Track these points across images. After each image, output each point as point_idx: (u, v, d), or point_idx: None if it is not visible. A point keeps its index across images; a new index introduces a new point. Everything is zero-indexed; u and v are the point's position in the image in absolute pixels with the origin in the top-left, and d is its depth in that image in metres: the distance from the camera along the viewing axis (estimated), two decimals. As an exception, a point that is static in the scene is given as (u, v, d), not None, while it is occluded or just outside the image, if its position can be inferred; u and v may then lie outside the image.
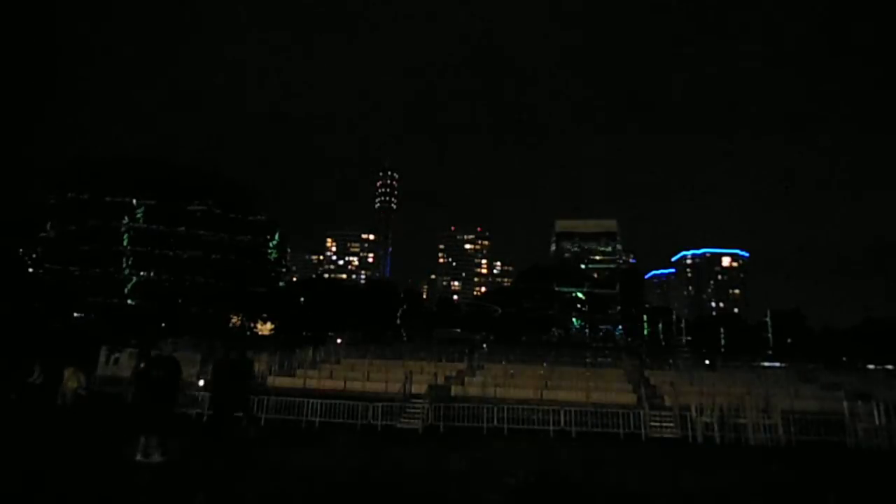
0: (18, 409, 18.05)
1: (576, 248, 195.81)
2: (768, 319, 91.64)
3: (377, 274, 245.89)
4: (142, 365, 9.78)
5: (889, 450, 15.61)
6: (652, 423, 17.81)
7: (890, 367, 66.91)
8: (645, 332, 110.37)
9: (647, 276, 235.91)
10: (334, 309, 76.37)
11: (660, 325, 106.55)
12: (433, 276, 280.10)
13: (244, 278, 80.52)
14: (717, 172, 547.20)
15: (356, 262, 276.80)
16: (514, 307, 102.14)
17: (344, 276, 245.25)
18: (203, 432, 12.38)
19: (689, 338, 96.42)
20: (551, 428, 17.78)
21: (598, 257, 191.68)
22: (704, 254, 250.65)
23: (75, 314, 66.59)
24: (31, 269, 72.03)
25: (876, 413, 16.77)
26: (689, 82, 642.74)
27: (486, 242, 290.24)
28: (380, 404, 18.39)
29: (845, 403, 17.54)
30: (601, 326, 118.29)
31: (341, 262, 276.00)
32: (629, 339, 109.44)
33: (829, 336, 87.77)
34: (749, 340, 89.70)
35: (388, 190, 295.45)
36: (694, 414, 17.54)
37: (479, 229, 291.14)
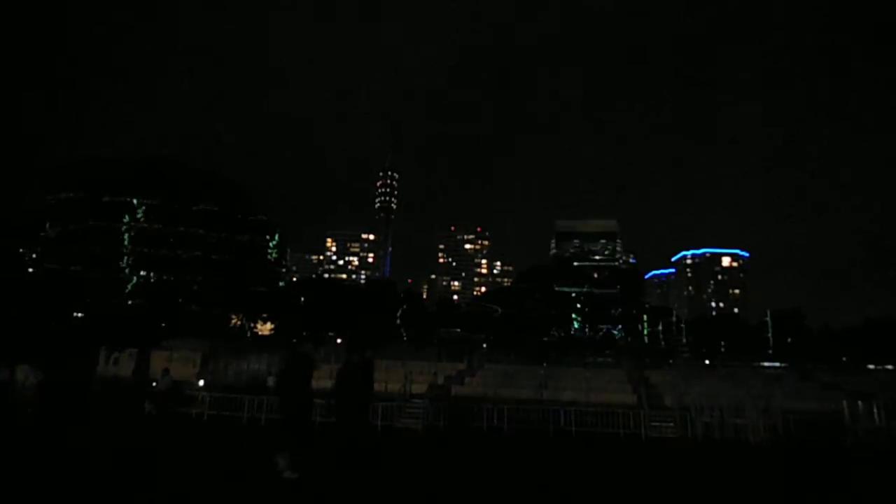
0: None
1: (576, 248, 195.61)
2: (768, 319, 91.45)
3: (377, 274, 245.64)
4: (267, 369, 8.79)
5: (889, 450, 15.59)
6: (652, 423, 17.81)
7: (890, 367, 66.94)
8: (645, 332, 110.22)
9: (647, 276, 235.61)
10: (334, 309, 76.30)
11: (660, 326, 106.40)
12: (433, 276, 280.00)
13: (244, 278, 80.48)
14: (718, 171, 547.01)
15: (356, 262, 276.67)
16: (514, 307, 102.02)
17: (344, 276, 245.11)
18: (330, 443, 10.69)
19: (688, 338, 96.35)
20: (551, 428, 17.77)
21: (598, 257, 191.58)
22: (704, 254, 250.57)
23: (75, 314, 66.60)
24: (31, 269, 72.03)
25: (876, 413, 16.77)
26: (689, 82, 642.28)
27: (486, 242, 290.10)
28: (380, 404, 18.38)
29: (845, 403, 17.53)
30: (601, 326, 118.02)
31: (341, 262, 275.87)
32: (629, 340, 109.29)
33: (829, 336, 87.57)
34: (749, 340, 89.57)
35: (388, 190, 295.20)
36: (694, 414, 17.54)
37: (479, 229, 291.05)
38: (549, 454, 13.72)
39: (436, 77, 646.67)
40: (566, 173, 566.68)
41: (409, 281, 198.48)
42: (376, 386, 23.93)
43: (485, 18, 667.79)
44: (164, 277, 76.63)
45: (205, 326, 61.14)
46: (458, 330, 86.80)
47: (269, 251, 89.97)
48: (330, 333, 72.59)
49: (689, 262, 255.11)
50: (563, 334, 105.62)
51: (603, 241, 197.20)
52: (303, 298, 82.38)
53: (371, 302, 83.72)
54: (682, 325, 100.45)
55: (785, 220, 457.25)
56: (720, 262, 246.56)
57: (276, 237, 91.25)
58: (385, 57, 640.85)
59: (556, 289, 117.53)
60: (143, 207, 78.29)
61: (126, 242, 77.10)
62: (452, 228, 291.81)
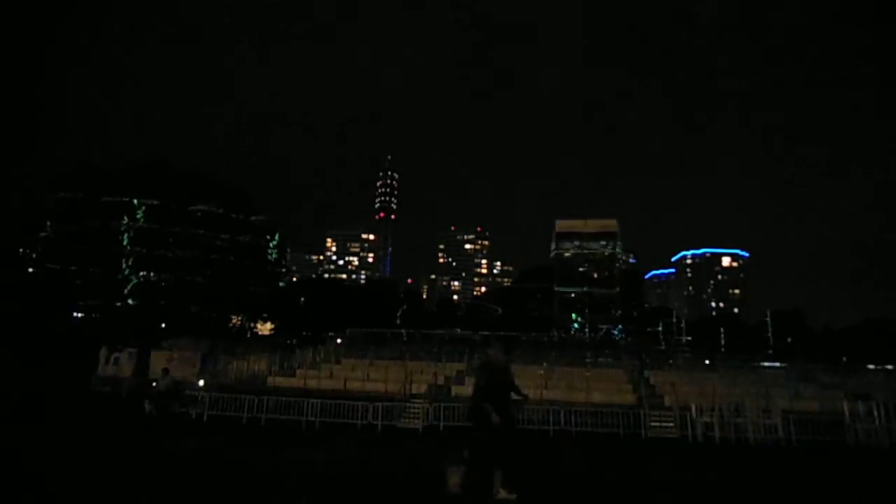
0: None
1: (576, 248, 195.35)
2: (768, 319, 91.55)
3: (377, 274, 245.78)
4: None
5: (889, 450, 15.61)
6: (652, 423, 17.80)
7: (890, 367, 66.90)
8: (645, 332, 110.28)
9: (647, 276, 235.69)
10: (334, 309, 76.31)
11: (660, 325, 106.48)
12: (433, 276, 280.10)
13: (244, 278, 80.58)
14: (718, 171, 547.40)
15: (356, 262, 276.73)
16: (515, 307, 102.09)
17: (344, 276, 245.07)
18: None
19: (689, 338, 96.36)
20: (551, 428, 17.78)
21: (598, 257, 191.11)
22: (704, 254, 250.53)
23: (75, 314, 66.67)
24: (31, 269, 72.04)
25: (876, 413, 16.78)
26: (688, 81, 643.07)
27: (486, 242, 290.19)
28: (380, 404, 18.38)
29: (845, 403, 17.54)
30: (601, 326, 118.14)
31: (341, 262, 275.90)
32: (629, 340, 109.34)
33: (829, 336, 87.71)
34: (749, 340, 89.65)
35: (388, 190, 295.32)
36: (694, 414, 17.54)
37: (479, 229, 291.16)
38: (549, 454, 13.73)
39: (436, 76, 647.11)
40: (566, 173, 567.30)
41: (409, 281, 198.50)
42: (378, 385, 23.86)
43: (483, 18, 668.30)
44: (164, 277, 76.69)
45: (205, 326, 61.20)
46: (458, 330, 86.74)
47: (269, 251, 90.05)
48: (330, 333, 72.51)
49: (689, 262, 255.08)
50: (563, 334, 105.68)
51: (603, 241, 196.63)
52: (303, 298, 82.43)
53: (371, 302, 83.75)
54: (683, 325, 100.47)
55: (784, 220, 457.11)
56: (720, 262, 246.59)
57: (276, 237, 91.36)
58: (384, 55, 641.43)
59: (556, 289, 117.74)
60: (143, 208, 78.38)
61: (125, 243, 77.15)
62: (452, 228, 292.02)
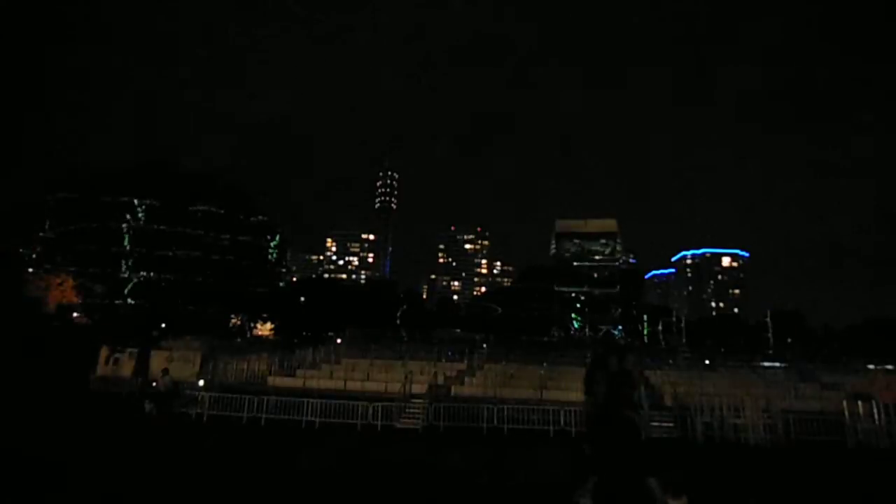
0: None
1: (576, 248, 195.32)
2: (768, 319, 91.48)
3: (377, 274, 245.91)
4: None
5: (889, 450, 15.61)
6: (652, 423, 17.81)
7: (890, 367, 66.90)
8: (645, 332, 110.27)
9: (647, 276, 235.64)
10: (334, 309, 76.31)
11: (660, 325, 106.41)
12: (433, 276, 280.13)
13: (244, 278, 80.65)
14: (718, 170, 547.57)
15: (356, 262, 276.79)
16: (515, 307, 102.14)
17: (344, 276, 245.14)
18: None
19: (688, 338, 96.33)
20: (551, 428, 17.78)
21: (598, 257, 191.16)
22: (704, 254, 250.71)
23: (75, 314, 66.66)
24: (31, 269, 72.02)
25: (876, 413, 16.78)
26: (688, 79, 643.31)
27: (486, 242, 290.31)
28: (380, 404, 18.39)
29: (845, 403, 17.54)
30: (601, 326, 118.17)
31: (341, 262, 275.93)
32: (629, 340, 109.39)
33: (830, 336, 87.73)
34: (749, 340, 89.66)
35: (388, 190, 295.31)
36: (694, 414, 17.55)
37: (479, 229, 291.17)
38: (549, 454, 13.73)
39: (434, 74, 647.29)
40: (566, 173, 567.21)
41: (410, 281, 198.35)
42: (378, 385, 23.88)
43: (484, 17, 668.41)
44: (164, 277, 76.74)
45: (205, 326, 61.19)
46: (458, 330, 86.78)
47: (270, 252, 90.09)
48: (330, 333, 72.59)
49: (689, 262, 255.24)
50: (563, 334, 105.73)
51: (603, 241, 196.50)
52: (303, 298, 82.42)
53: (371, 302, 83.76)
54: (682, 325, 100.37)
55: (784, 220, 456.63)
56: (720, 262, 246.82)
57: (277, 238, 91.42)
58: (383, 54, 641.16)
59: (556, 289, 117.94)
60: (143, 207, 78.40)
61: (126, 243, 77.16)
62: (452, 228, 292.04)
